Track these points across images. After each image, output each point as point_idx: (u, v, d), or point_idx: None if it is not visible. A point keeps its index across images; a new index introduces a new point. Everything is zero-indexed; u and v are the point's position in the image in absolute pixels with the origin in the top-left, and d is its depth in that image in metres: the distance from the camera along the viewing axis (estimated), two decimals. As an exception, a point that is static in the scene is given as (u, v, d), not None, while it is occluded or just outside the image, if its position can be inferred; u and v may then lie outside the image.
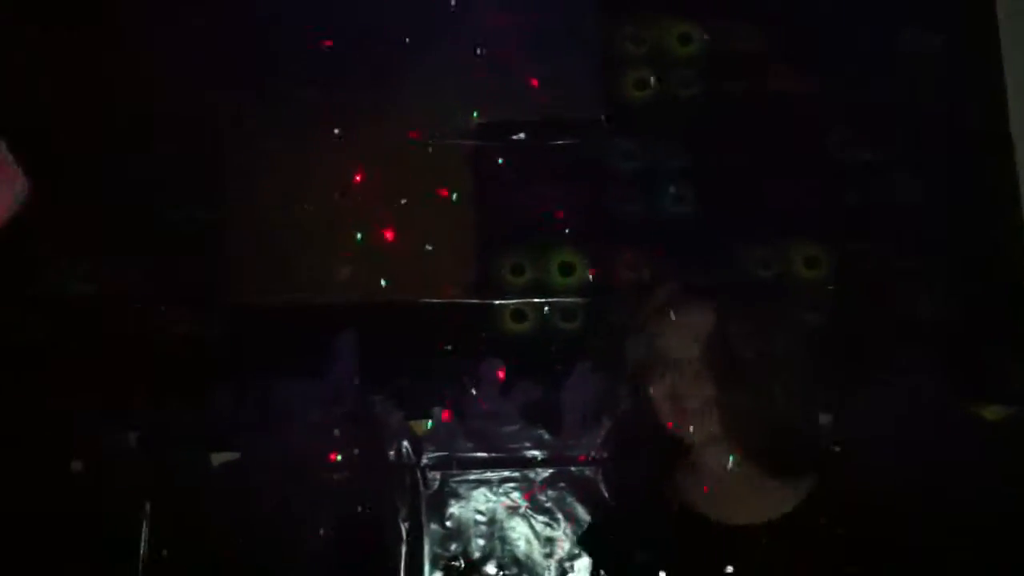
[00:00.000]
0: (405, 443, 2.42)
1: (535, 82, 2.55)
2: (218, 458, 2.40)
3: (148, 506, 2.34)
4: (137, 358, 2.45)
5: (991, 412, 2.43)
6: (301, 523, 2.36)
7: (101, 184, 2.51)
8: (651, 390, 1.80)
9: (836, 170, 2.61)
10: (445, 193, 2.54)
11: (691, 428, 1.78)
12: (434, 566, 2.38)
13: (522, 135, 2.59)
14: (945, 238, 2.57)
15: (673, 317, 1.81)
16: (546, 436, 2.43)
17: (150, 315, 2.49)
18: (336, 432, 2.41)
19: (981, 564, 2.25)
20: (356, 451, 2.40)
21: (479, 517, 2.40)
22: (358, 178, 2.49)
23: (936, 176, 2.60)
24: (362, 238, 2.46)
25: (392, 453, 2.42)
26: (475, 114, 2.59)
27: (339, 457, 2.39)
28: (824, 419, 2.44)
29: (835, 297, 2.53)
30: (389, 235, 2.47)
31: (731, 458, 1.78)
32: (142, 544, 2.32)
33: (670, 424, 1.78)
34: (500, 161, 2.58)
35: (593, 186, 2.63)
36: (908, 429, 2.42)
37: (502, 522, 2.40)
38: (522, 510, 2.40)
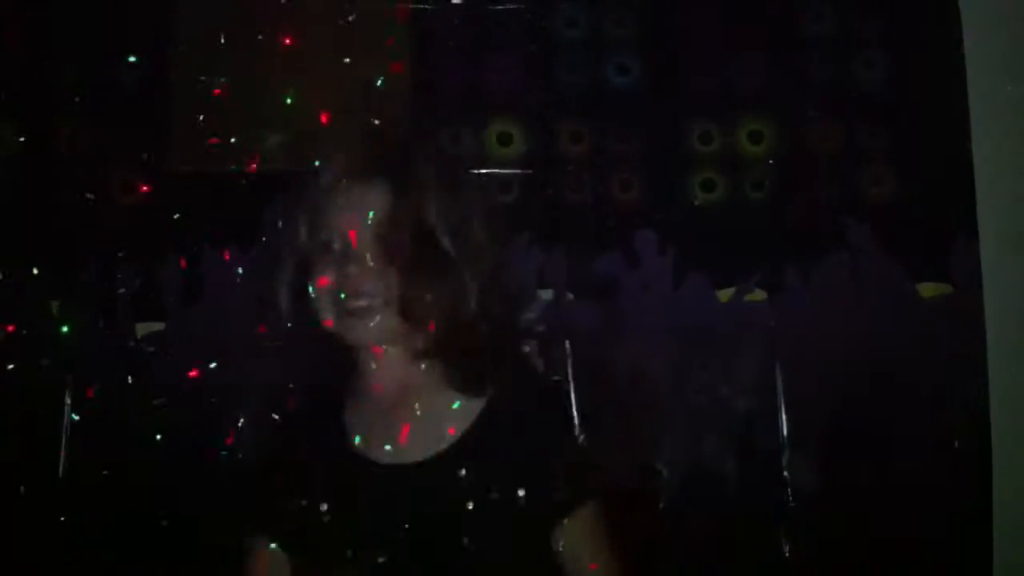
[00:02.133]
0: (336, 315, 2.37)
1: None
2: (144, 328, 2.35)
3: (70, 378, 2.30)
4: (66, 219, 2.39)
5: (927, 289, 2.43)
6: (228, 395, 2.32)
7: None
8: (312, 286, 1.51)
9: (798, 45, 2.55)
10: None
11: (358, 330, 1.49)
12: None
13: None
14: (892, 117, 2.53)
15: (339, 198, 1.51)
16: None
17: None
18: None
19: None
20: (289, 324, 2.35)
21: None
22: (288, 41, 2.40)
23: (891, 57, 2.54)
24: (291, 104, 2.38)
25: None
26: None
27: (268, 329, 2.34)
28: (761, 296, 2.45)
29: (777, 173, 2.50)
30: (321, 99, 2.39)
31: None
32: (65, 415, 2.29)
33: (329, 323, 1.50)
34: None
35: (535, 55, 2.55)
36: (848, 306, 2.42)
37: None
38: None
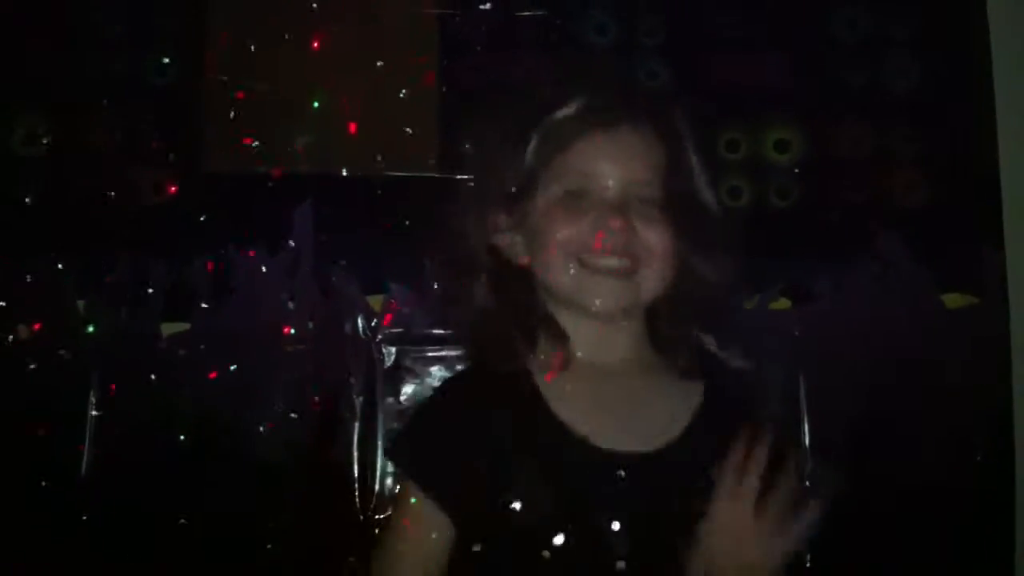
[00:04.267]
0: (360, 318, 2.39)
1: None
2: (169, 328, 2.36)
3: (95, 376, 2.31)
4: (92, 220, 2.40)
5: (952, 300, 2.42)
6: (253, 396, 2.33)
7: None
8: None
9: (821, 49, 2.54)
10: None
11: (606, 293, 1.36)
12: (388, 441, 2.36)
13: (488, 5, 2.50)
14: (920, 126, 2.52)
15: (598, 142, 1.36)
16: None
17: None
18: (291, 305, 2.37)
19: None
20: (310, 324, 2.36)
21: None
22: (316, 45, 2.42)
23: (921, 65, 2.53)
24: (319, 107, 2.39)
25: (348, 327, 2.39)
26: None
27: (293, 330, 2.36)
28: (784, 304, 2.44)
29: (803, 181, 2.49)
30: (349, 105, 2.40)
31: None
32: (89, 414, 2.30)
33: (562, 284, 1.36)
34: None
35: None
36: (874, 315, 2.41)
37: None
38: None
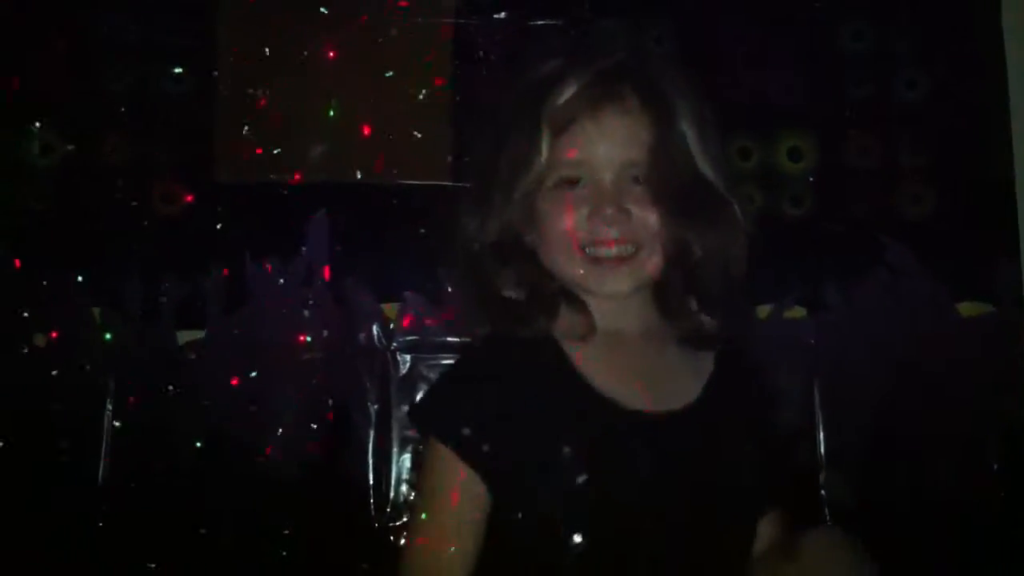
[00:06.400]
0: (376, 326, 2.39)
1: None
2: (184, 337, 2.36)
3: (111, 383, 2.32)
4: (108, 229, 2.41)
5: (967, 308, 2.41)
6: (268, 404, 2.34)
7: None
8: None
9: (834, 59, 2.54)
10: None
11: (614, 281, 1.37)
12: (402, 449, 2.36)
13: (503, 14, 2.51)
14: (934, 134, 2.51)
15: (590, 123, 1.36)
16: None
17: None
18: (306, 314, 2.37)
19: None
20: (325, 333, 2.37)
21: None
22: (332, 55, 2.42)
23: (936, 74, 2.53)
24: (335, 116, 2.40)
25: (363, 336, 2.39)
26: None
27: (308, 339, 2.36)
28: (800, 312, 2.44)
29: (816, 190, 2.49)
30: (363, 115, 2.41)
31: None
32: (105, 423, 2.31)
33: (576, 273, 1.37)
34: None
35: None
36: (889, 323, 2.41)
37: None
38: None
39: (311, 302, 2.36)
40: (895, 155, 2.52)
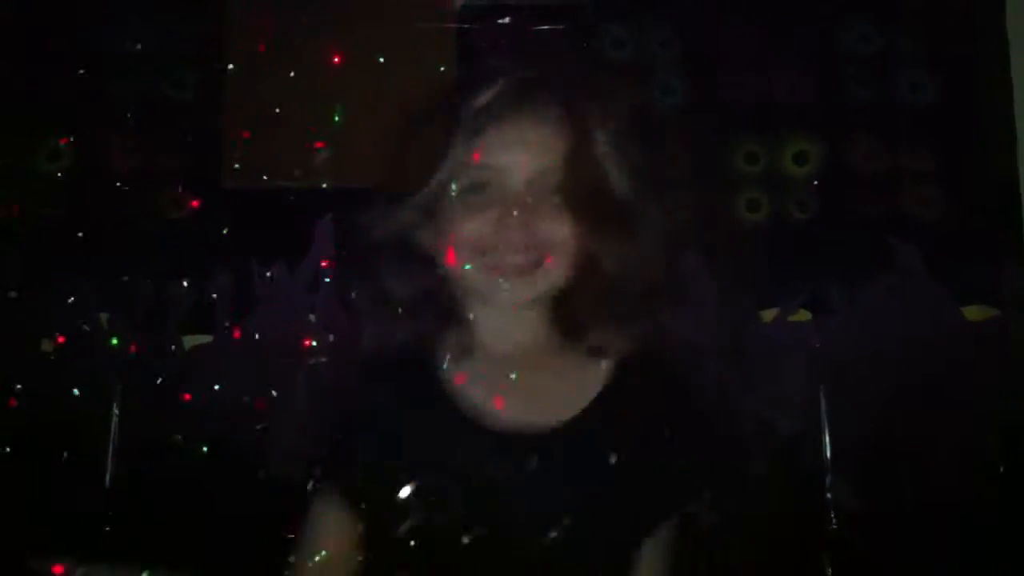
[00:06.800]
0: (381, 330, 2.39)
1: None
2: (191, 341, 2.37)
3: (118, 388, 2.32)
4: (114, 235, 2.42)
5: (972, 312, 2.41)
6: (274, 408, 2.34)
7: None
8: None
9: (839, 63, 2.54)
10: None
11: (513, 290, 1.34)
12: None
13: (507, 19, 2.51)
14: (938, 137, 2.51)
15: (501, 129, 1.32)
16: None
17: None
18: (312, 318, 2.38)
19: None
20: (331, 337, 2.37)
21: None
22: (337, 60, 2.43)
23: (941, 77, 2.53)
24: (339, 121, 2.41)
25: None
26: (460, -3, 2.52)
27: (314, 343, 2.36)
28: (805, 316, 2.44)
29: (822, 193, 2.49)
30: (368, 119, 2.41)
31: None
32: (112, 425, 2.32)
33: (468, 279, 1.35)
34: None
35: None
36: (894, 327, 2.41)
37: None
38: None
39: (317, 307, 2.37)
40: (901, 157, 2.52)
